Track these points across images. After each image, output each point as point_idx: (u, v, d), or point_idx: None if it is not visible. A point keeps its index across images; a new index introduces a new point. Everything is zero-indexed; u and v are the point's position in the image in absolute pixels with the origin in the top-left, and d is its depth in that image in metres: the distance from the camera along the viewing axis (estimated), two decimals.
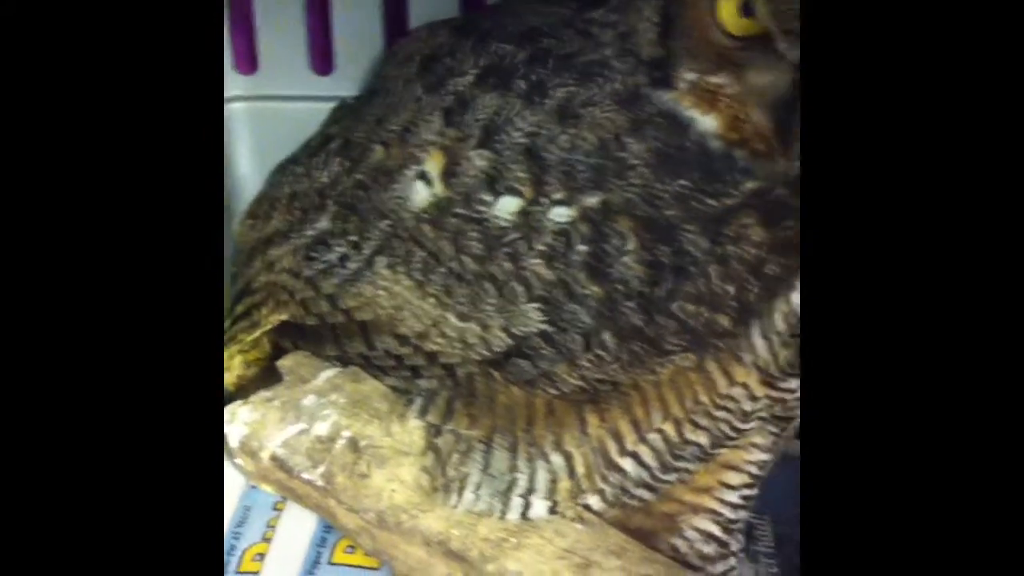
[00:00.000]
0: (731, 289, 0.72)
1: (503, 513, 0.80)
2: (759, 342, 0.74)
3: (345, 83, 1.05)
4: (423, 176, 0.80)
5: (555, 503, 0.80)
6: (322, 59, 1.08)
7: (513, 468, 0.79)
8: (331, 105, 0.98)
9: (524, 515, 0.80)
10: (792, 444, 0.96)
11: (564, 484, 0.79)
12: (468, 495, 0.80)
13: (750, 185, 0.72)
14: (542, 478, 0.79)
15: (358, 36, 1.05)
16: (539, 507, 0.80)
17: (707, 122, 0.73)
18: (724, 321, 0.74)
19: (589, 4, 0.80)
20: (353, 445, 0.82)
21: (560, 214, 0.75)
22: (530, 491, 0.80)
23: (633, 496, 0.81)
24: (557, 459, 0.79)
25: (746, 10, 0.69)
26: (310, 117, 0.96)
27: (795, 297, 0.73)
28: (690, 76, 0.73)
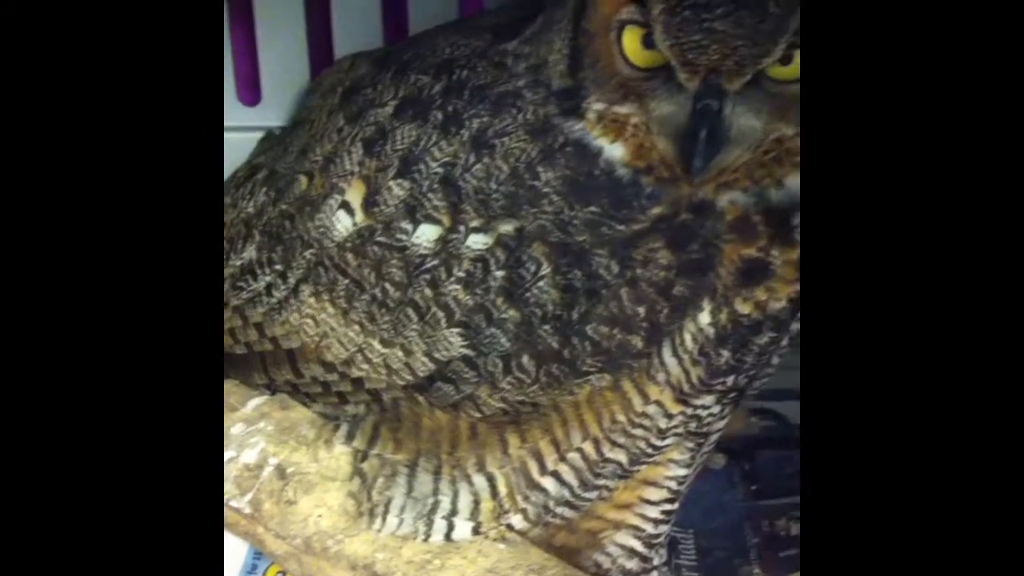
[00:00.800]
0: (642, 311, 0.75)
1: (427, 535, 0.81)
2: (671, 361, 0.77)
3: (272, 113, 1.06)
4: (345, 205, 0.82)
5: (478, 524, 0.82)
6: (249, 89, 1.09)
7: (436, 491, 0.81)
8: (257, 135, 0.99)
9: (448, 537, 0.82)
10: (713, 458, 1.00)
11: (487, 505, 0.81)
12: (392, 519, 0.81)
13: (656, 210, 0.74)
14: (465, 500, 0.81)
15: (284, 67, 1.06)
16: (463, 528, 0.82)
17: (615, 150, 0.75)
18: (636, 342, 0.76)
19: (504, 36, 0.82)
20: (280, 472, 0.83)
21: (477, 241, 0.77)
22: (453, 513, 0.81)
23: (555, 514, 0.82)
24: (480, 480, 0.81)
25: (648, 43, 0.72)
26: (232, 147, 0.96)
27: (703, 317, 0.76)
28: (598, 106, 0.75)
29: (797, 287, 0.75)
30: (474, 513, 0.81)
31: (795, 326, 0.81)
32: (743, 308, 0.75)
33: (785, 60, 0.70)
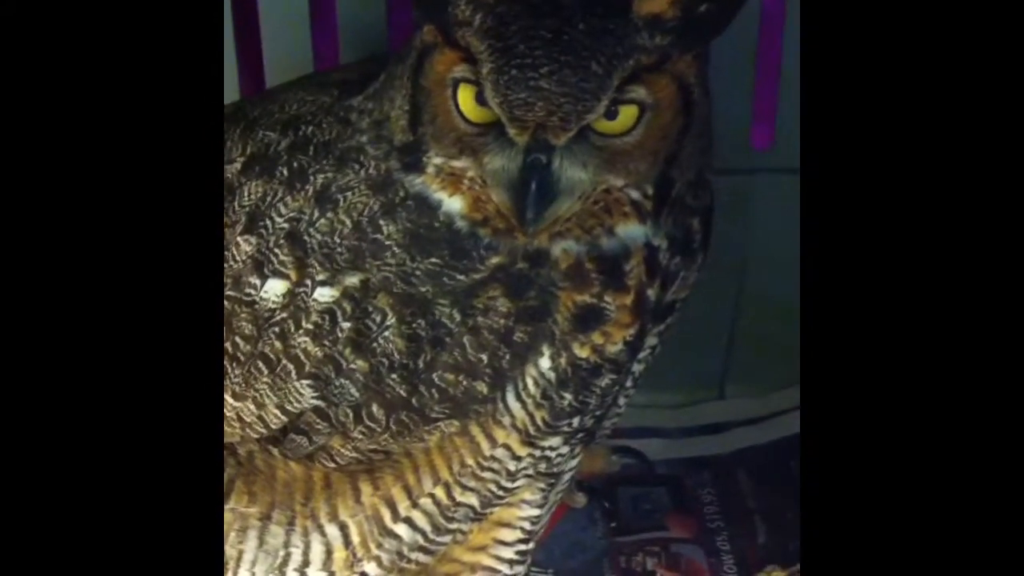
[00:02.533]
0: (484, 357, 0.77)
1: None
2: (515, 405, 0.79)
3: None
4: None
5: (331, 574, 0.82)
6: None
7: (288, 543, 0.82)
8: None
9: None
10: (574, 497, 1.02)
11: (340, 554, 0.82)
12: (244, 573, 0.82)
13: (494, 260, 0.77)
14: (317, 550, 0.82)
15: None
16: None
17: (453, 203, 0.77)
18: (481, 387, 0.78)
19: (349, 92, 0.84)
20: None
21: (324, 294, 0.78)
22: (305, 564, 0.82)
23: (410, 560, 0.84)
24: (332, 530, 0.82)
25: (480, 100, 0.74)
26: None
27: (543, 362, 0.78)
28: (437, 160, 0.77)
29: (632, 330, 0.78)
30: (326, 563, 0.82)
31: (637, 367, 0.84)
32: (581, 352, 0.77)
33: (610, 115, 0.73)
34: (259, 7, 1.03)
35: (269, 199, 0.80)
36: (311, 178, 0.80)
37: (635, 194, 0.77)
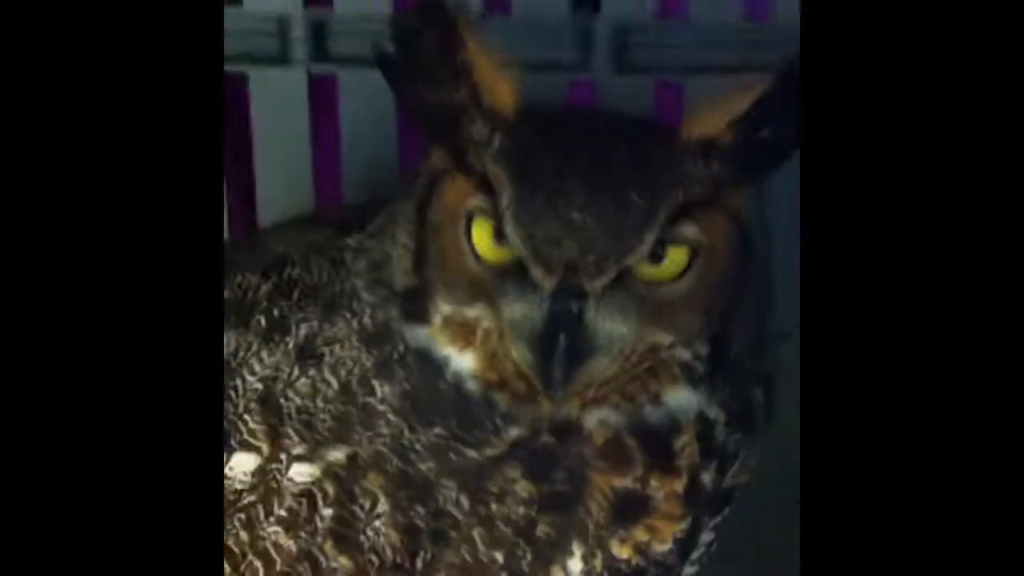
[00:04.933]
0: (500, 556, 0.66)
1: None
2: None
3: None
4: None
5: None
6: None
7: None
8: None
9: None
10: None
11: None
12: None
13: (513, 433, 0.67)
14: None
15: None
16: None
17: (463, 361, 0.67)
18: None
19: (347, 230, 0.75)
20: None
21: (301, 472, 0.68)
22: None
23: None
24: None
25: (499, 236, 0.65)
26: None
27: (573, 564, 0.67)
28: (445, 309, 0.68)
29: (684, 524, 0.68)
30: None
31: (689, 570, 0.71)
32: (621, 552, 0.67)
33: (655, 258, 0.64)
34: (254, 139, 0.94)
35: (242, 353, 0.71)
36: (293, 328, 0.71)
37: (686, 355, 0.68)
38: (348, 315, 0.70)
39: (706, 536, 0.71)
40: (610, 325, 0.64)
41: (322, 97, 0.93)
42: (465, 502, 0.65)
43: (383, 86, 0.68)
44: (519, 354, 0.65)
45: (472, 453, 0.66)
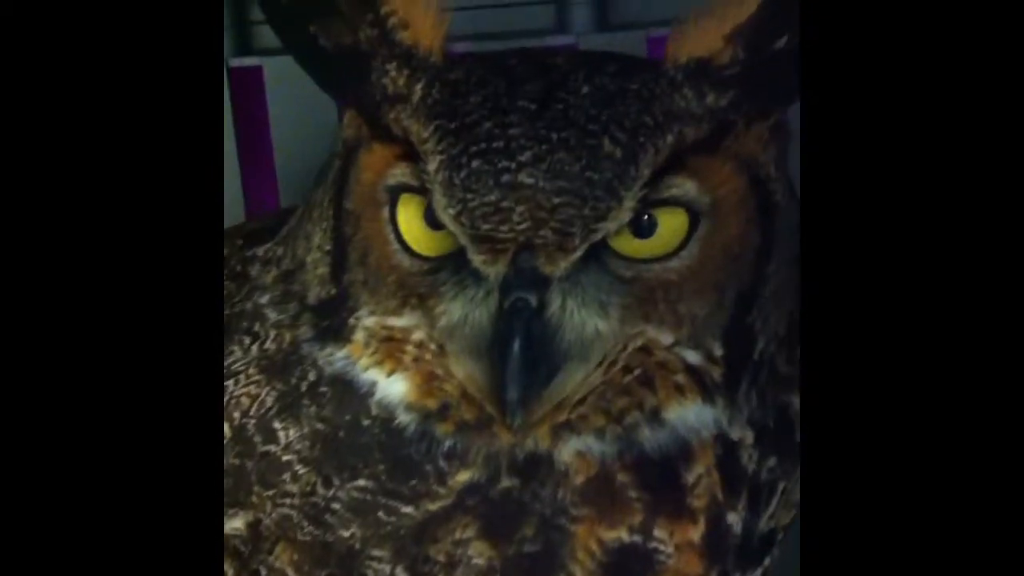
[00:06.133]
0: None
1: None
2: None
3: None
4: None
5: None
6: None
7: None
8: None
9: None
10: None
11: None
12: None
13: (462, 477, 0.53)
14: None
15: None
16: None
17: (392, 387, 0.54)
18: None
19: (257, 240, 0.62)
20: None
21: None
22: None
23: None
24: None
25: (432, 218, 0.51)
26: None
27: None
28: (368, 322, 0.55)
29: None
30: None
31: None
32: None
33: (641, 227, 0.51)
34: None
35: None
36: None
37: (693, 356, 0.54)
38: (247, 340, 0.57)
39: None
40: (582, 320, 0.51)
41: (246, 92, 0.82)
42: None
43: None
44: (463, 370, 0.52)
45: (408, 509, 0.53)
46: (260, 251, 0.61)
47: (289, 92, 0.81)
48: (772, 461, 0.56)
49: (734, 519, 0.54)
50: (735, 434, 0.54)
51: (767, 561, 0.58)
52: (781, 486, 0.57)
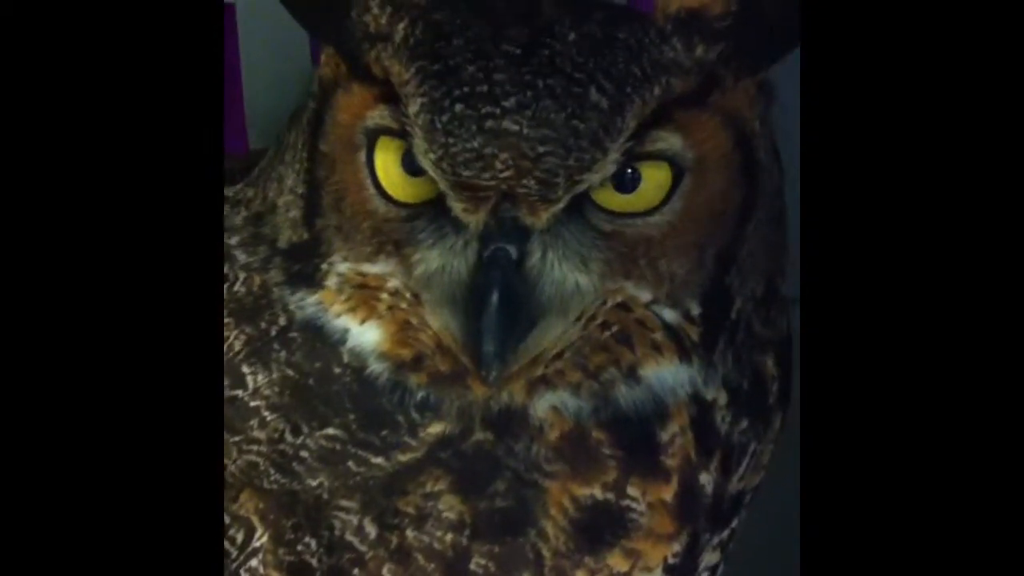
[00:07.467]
0: None
1: None
2: None
3: None
4: None
5: None
6: None
7: None
8: None
9: None
10: None
11: None
12: None
13: (434, 429, 0.53)
14: None
15: None
16: None
17: (365, 335, 0.54)
18: None
19: (227, 179, 0.61)
20: None
21: None
22: None
23: None
24: None
25: (410, 163, 0.51)
26: None
27: None
28: (341, 268, 0.54)
29: (677, 545, 0.54)
30: None
31: None
32: None
33: (623, 181, 0.51)
34: None
35: None
36: None
37: (671, 315, 0.54)
38: None
39: (709, 558, 0.58)
40: (562, 274, 0.51)
41: None
42: (371, 529, 0.53)
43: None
44: (439, 320, 0.52)
45: (379, 460, 0.53)
46: (229, 192, 0.60)
47: (260, 33, 0.78)
48: (744, 423, 0.56)
49: (706, 480, 0.55)
50: (710, 395, 0.55)
51: (735, 522, 0.58)
52: (752, 448, 0.57)
